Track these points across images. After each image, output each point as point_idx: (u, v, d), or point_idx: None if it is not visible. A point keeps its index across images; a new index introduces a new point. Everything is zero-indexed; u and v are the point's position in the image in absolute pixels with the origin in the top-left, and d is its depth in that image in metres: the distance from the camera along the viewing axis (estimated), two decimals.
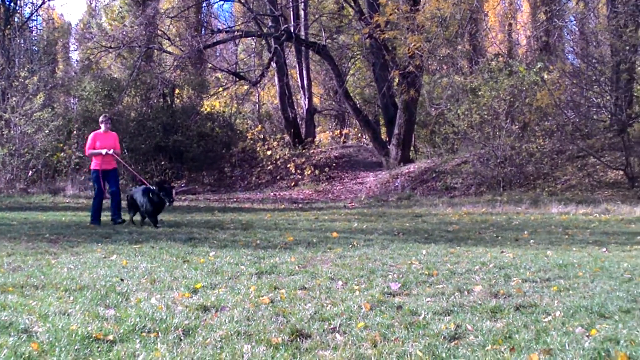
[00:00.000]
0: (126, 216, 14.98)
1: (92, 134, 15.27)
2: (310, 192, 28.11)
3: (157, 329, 5.30)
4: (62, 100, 35.13)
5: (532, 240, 11.79)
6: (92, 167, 15.17)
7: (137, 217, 14.74)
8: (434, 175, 26.63)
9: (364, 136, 38.65)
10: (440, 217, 17.14)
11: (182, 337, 5.15)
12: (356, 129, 41.22)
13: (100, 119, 15.43)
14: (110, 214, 14.91)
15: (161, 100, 32.18)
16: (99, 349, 4.82)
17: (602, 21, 27.39)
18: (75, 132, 29.23)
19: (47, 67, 33.99)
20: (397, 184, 26.54)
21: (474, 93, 26.62)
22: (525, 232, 13.08)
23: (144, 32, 28.75)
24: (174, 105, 32.90)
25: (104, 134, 15.18)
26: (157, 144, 29.43)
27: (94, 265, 8.38)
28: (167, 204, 13.93)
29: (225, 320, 5.60)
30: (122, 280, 7.37)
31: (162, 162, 29.91)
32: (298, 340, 5.11)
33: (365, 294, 6.67)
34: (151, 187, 14.18)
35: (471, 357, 4.70)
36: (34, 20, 41.59)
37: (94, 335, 5.06)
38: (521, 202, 19.95)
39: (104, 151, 14.75)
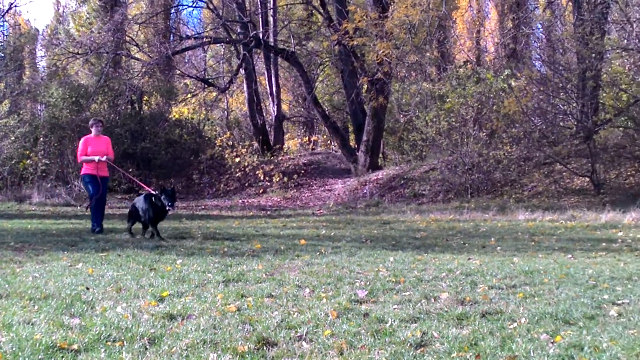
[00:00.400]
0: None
1: (82, 139, 14.63)
2: (278, 199, 28.07)
3: (123, 338, 5.27)
4: (28, 106, 34.74)
5: (498, 247, 11.86)
6: (84, 171, 14.50)
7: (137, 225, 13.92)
8: (402, 182, 26.70)
9: (332, 143, 38.68)
10: (408, 224, 17.18)
11: (147, 346, 5.12)
12: (325, 136, 41.29)
13: (90, 122, 14.93)
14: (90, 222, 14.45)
15: (129, 106, 31.99)
16: (63, 359, 4.79)
17: (569, 29, 27.62)
18: (41, 139, 28.91)
19: (13, 73, 33.66)
20: (365, 191, 26.57)
21: (442, 100, 26.76)
22: (492, 239, 13.15)
23: (112, 38, 28.53)
24: (142, 112, 32.73)
25: (95, 138, 14.57)
26: (124, 150, 29.24)
27: (60, 274, 8.30)
28: (168, 209, 12.92)
29: (191, 329, 5.57)
30: (87, 288, 7.31)
31: (130, 169, 29.67)
32: (264, 348, 5.10)
33: (332, 301, 6.67)
34: (153, 192, 13.41)
35: None
36: (0, 26, 41.22)
37: (58, 345, 5.03)
38: (488, 208, 20.04)
39: (96, 158, 14.14)
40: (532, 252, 11.08)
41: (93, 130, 14.61)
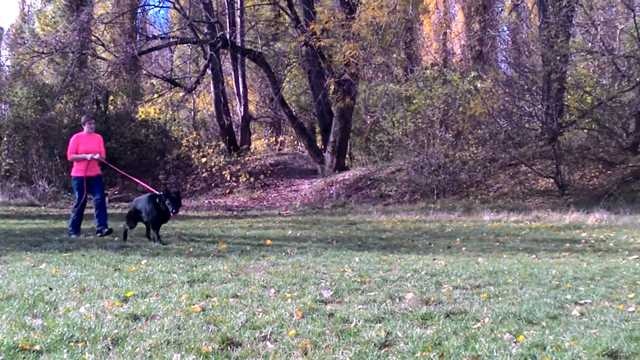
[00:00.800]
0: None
1: (73, 137, 13.75)
2: (245, 200, 28.02)
3: (86, 339, 5.24)
4: None
5: (464, 248, 11.92)
6: (74, 173, 13.67)
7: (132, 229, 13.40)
8: (368, 182, 26.75)
9: (299, 144, 38.66)
10: (374, 224, 17.21)
11: (110, 347, 5.09)
12: (292, 137, 41.23)
13: (83, 119, 14.14)
14: (95, 225, 13.63)
15: (95, 106, 31.76)
16: (25, 359, 4.74)
17: (534, 31, 27.80)
18: (5, 138, 28.66)
19: None
20: (332, 192, 26.59)
21: (408, 101, 26.85)
22: (458, 240, 13.22)
23: (77, 38, 28.29)
24: (107, 112, 32.54)
25: (87, 136, 13.72)
26: None
27: (22, 274, 8.23)
28: (171, 214, 12.36)
29: (155, 329, 5.55)
30: (50, 289, 7.25)
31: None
32: (229, 348, 5.09)
33: (298, 301, 6.66)
34: (157, 192, 12.85)
35: None
36: None
37: (20, 346, 4.99)
38: (454, 209, 20.13)
39: (89, 156, 13.33)
40: (497, 253, 11.16)
41: (85, 127, 13.79)
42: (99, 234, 13.36)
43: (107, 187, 28.47)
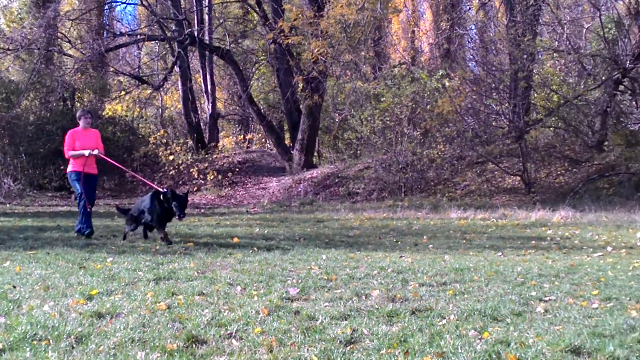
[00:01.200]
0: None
1: (69, 133, 13.00)
2: (212, 197, 27.95)
3: (49, 337, 5.18)
4: None
5: (430, 245, 11.98)
6: (71, 168, 12.85)
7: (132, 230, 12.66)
8: (336, 180, 26.78)
9: (267, 141, 38.62)
10: (341, 222, 17.23)
11: (74, 345, 5.04)
12: (260, 134, 41.18)
13: (78, 113, 13.46)
14: (76, 223, 12.97)
15: (61, 103, 31.44)
16: None
17: (501, 30, 28.00)
18: None
19: None
20: (300, 190, 26.59)
21: (376, 99, 26.91)
22: (425, 237, 13.28)
23: (43, 34, 28.02)
24: (74, 109, 32.24)
25: (83, 131, 13.02)
26: (56, 148, 28.73)
27: None
28: (177, 217, 11.77)
29: (119, 327, 5.50)
30: (14, 287, 7.18)
31: (62, 167, 29.22)
32: (194, 346, 5.07)
33: (264, 299, 6.64)
34: (162, 189, 12.18)
35: None
36: None
37: None
38: (422, 207, 20.20)
39: (86, 152, 12.58)
40: (463, 250, 11.23)
41: (81, 122, 13.10)
42: (79, 234, 12.69)
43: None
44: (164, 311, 6.10)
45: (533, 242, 12.58)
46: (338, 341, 5.17)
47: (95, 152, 12.73)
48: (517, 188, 22.84)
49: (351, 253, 10.49)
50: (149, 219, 11.93)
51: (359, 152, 29.82)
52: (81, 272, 8.20)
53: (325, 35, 25.45)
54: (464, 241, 12.72)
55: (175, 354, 4.86)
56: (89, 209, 12.81)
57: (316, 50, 25.06)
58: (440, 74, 25.68)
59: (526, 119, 23.03)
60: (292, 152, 30.58)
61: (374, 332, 5.45)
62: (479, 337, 5.29)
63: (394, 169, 24.39)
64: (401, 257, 10.12)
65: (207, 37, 34.50)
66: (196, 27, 32.29)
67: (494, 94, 25.42)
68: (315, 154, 33.86)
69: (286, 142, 32.96)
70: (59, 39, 30.59)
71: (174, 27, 32.53)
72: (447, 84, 25.42)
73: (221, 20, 36.78)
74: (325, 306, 6.36)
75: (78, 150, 12.69)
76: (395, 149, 24.20)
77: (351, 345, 5.10)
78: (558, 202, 19.22)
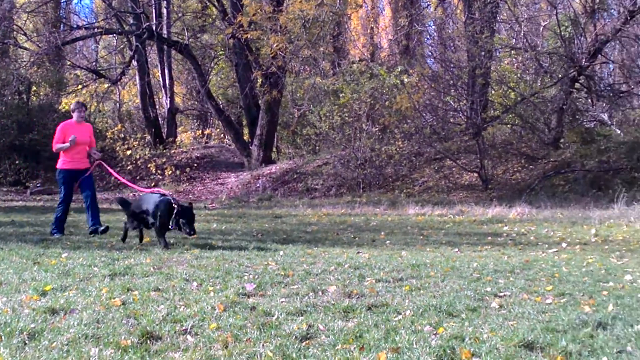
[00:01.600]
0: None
1: (61, 125, 12.42)
2: (170, 193, 27.75)
3: (1, 333, 5.10)
4: None
5: (388, 241, 12.01)
6: (59, 165, 12.32)
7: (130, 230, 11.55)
8: (295, 176, 26.79)
9: (226, 137, 38.50)
10: (299, 218, 17.25)
11: (26, 341, 4.97)
12: (218, 130, 41.05)
13: (72, 106, 12.76)
14: (88, 224, 12.33)
15: (16, 97, 31.11)
16: None
17: (460, 27, 28.19)
18: None
19: None
20: (258, 185, 26.55)
21: (335, 95, 26.94)
22: (382, 233, 13.32)
23: None
24: (30, 103, 31.93)
25: (76, 124, 12.39)
26: (11, 142, 28.52)
27: None
28: (188, 235, 10.80)
29: (73, 323, 5.43)
30: None
31: (17, 162, 28.95)
32: (148, 342, 5.01)
33: (220, 295, 6.60)
34: (168, 195, 11.45)
35: (321, 357, 4.72)
36: None
37: None
38: (380, 203, 20.27)
39: (71, 138, 11.98)
40: (420, 246, 11.28)
41: (75, 115, 12.44)
42: (92, 234, 12.00)
43: (29, 179, 28.00)
44: (118, 307, 6.03)
45: (489, 238, 12.68)
46: (294, 337, 5.16)
47: (72, 137, 12.03)
48: (475, 184, 23.01)
49: (309, 249, 10.47)
50: (151, 223, 10.89)
51: (317, 148, 29.85)
52: (35, 268, 8.08)
53: (285, 31, 25.43)
54: (421, 237, 12.77)
55: (130, 350, 4.81)
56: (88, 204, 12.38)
57: (275, 45, 25.02)
58: (399, 70, 25.77)
59: (484, 115, 23.22)
60: (250, 147, 30.54)
61: (329, 327, 5.44)
62: (434, 332, 5.30)
63: (352, 165, 24.46)
64: (358, 253, 10.13)
65: (165, 31, 34.33)
66: (154, 21, 32.10)
67: (452, 90, 25.59)
68: (274, 149, 33.85)
69: (245, 138, 32.90)
70: (14, 32, 30.24)
71: (131, 21, 32.31)
72: (405, 80, 25.50)
73: (180, 15, 36.64)
74: (282, 302, 6.34)
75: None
76: (353, 145, 24.26)
77: (307, 341, 5.09)
78: (514, 199, 19.41)
